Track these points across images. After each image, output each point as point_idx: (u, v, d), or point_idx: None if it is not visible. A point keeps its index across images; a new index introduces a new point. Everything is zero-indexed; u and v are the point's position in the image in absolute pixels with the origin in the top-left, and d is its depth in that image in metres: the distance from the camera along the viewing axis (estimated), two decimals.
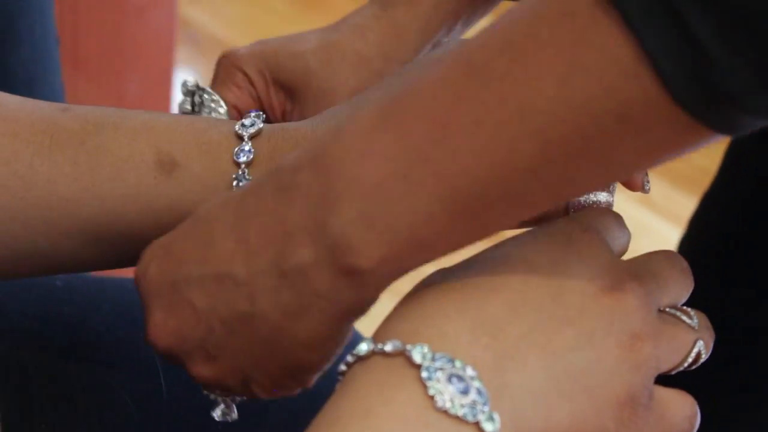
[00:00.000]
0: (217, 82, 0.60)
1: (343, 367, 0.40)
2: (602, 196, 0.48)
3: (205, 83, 0.60)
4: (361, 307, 0.42)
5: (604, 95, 0.35)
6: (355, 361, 0.40)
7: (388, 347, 0.39)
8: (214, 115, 0.60)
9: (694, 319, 0.44)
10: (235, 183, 0.48)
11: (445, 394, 0.37)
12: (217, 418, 0.48)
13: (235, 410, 0.48)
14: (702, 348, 0.44)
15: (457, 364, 0.38)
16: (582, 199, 0.47)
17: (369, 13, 0.61)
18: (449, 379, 0.38)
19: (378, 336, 0.40)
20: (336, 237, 0.40)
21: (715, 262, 0.80)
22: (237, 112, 0.60)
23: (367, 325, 0.46)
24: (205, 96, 0.60)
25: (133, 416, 0.55)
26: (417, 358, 0.38)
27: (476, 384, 0.38)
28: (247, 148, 0.48)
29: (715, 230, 0.81)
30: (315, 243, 0.41)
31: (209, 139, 0.49)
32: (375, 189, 0.39)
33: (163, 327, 0.44)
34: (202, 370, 0.44)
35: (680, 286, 0.44)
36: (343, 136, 0.40)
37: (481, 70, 0.37)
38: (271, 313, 0.42)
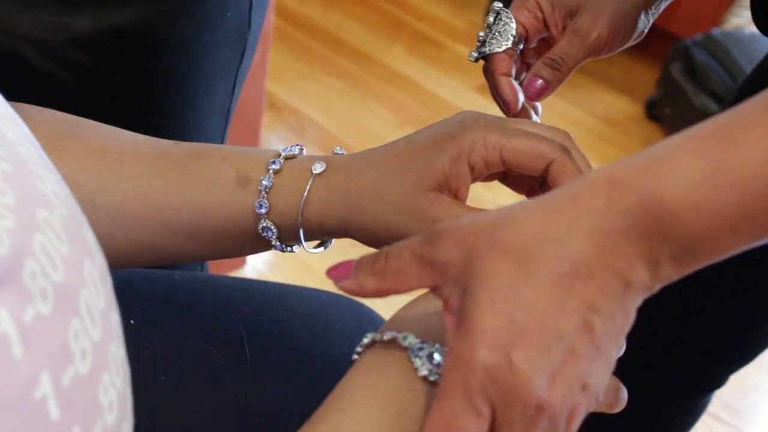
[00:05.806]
0: (514, 6, 0.74)
1: (355, 356, 0.50)
2: None
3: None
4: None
5: None
6: (363, 350, 0.50)
7: (386, 336, 0.49)
8: (506, 29, 0.73)
9: None
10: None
11: (425, 366, 0.47)
12: None
13: None
14: None
15: (431, 345, 0.48)
16: None
17: None
18: (428, 356, 0.47)
19: (381, 330, 0.50)
20: (663, 275, 0.44)
21: None
22: (524, 29, 0.74)
23: None
24: (503, 14, 0.74)
25: (225, 373, 0.69)
26: (405, 343, 0.48)
27: (440, 358, 0.47)
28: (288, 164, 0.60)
29: None
30: (650, 272, 0.44)
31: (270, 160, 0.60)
32: (704, 237, 0.42)
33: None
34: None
35: None
36: (672, 184, 0.42)
37: None
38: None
